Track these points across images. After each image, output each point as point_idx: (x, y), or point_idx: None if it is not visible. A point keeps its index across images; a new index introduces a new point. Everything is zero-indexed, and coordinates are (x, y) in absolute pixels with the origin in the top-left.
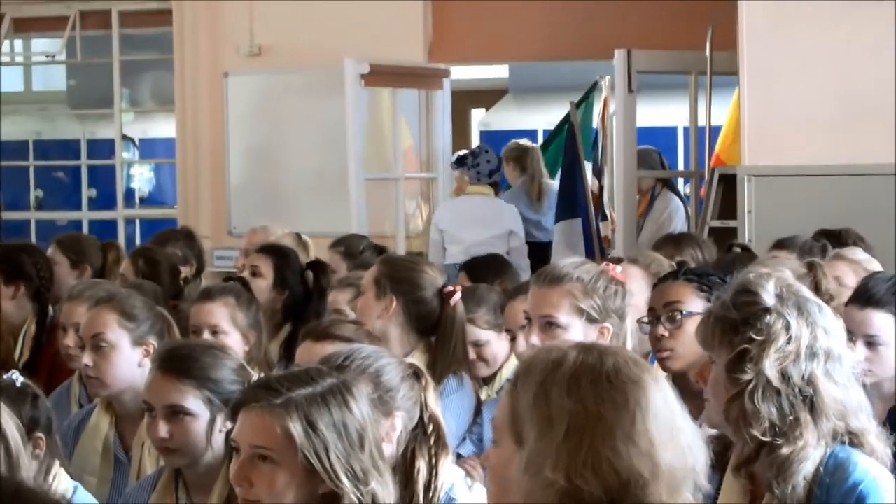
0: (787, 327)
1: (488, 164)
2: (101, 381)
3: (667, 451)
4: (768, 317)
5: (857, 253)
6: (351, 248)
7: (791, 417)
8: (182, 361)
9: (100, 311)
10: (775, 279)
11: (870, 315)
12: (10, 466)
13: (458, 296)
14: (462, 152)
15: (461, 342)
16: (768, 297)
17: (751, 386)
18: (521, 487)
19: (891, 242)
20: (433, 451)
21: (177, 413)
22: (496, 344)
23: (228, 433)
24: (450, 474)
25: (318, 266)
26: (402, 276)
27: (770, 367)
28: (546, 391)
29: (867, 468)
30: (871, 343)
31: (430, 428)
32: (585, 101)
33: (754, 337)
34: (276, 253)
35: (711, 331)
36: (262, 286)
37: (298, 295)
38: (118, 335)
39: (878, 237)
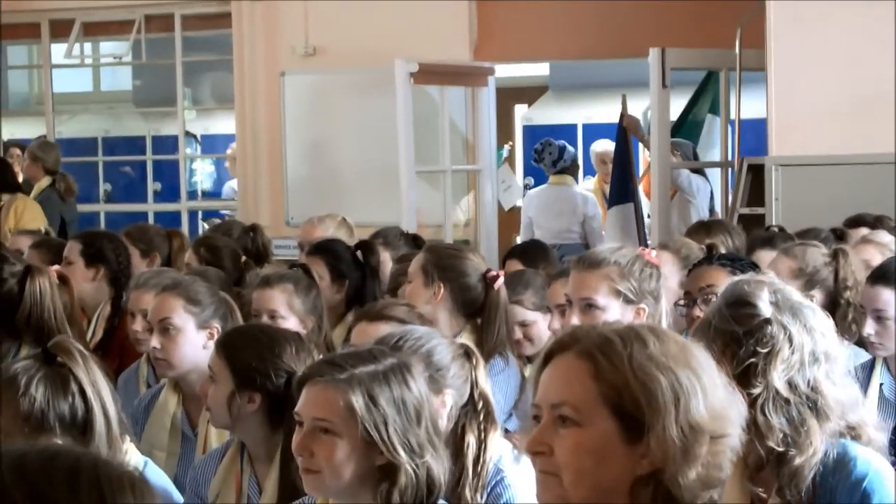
0: (790, 337)
1: (550, 156)
2: (169, 363)
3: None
4: (769, 328)
5: (884, 236)
6: (388, 238)
7: (802, 427)
8: (235, 341)
9: (166, 297)
10: (767, 286)
11: (878, 291)
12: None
13: (500, 280)
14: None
15: (505, 323)
16: (765, 306)
17: (761, 399)
18: (669, 452)
19: None
20: (482, 427)
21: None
22: (542, 324)
23: (276, 410)
24: (498, 448)
25: (365, 247)
26: (447, 264)
27: (778, 378)
28: (655, 363)
29: (868, 460)
30: (879, 317)
31: (480, 404)
32: (703, 93)
33: (759, 350)
34: (326, 251)
35: (712, 343)
36: (323, 286)
37: (355, 280)
38: (184, 319)
39: None
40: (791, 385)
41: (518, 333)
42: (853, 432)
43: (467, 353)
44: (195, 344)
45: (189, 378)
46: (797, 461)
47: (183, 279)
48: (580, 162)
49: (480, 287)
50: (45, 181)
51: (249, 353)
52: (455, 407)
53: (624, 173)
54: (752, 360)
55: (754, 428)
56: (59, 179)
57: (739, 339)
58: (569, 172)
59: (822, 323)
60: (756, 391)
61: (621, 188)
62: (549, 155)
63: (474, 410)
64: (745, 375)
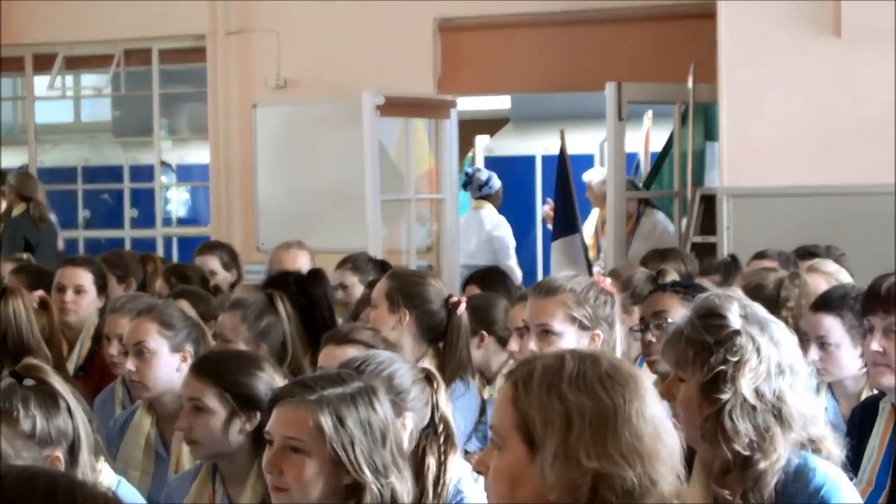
0: (758, 348)
1: (477, 182)
2: (144, 385)
3: (664, 435)
4: (739, 339)
5: (829, 265)
6: (357, 263)
7: (767, 433)
8: (210, 363)
9: (141, 321)
10: (737, 301)
11: (820, 318)
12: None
13: (462, 306)
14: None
15: (466, 347)
16: (735, 319)
17: (729, 405)
18: (549, 482)
19: (860, 257)
20: (442, 449)
21: (197, 407)
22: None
23: (257, 431)
24: (458, 469)
25: (311, 276)
26: (413, 291)
27: (746, 386)
28: (557, 391)
29: (826, 472)
30: (822, 344)
31: (441, 427)
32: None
33: (729, 358)
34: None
35: (684, 352)
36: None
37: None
38: (158, 343)
39: (848, 252)
40: (758, 393)
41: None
42: (813, 445)
43: (428, 377)
44: (169, 366)
45: (163, 399)
46: (762, 465)
47: (157, 304)
48: (538, 192)
49: (443, 312)
50: (20, 207)
51: (242, 373)
52: (416, 429)
53: (566, 204)
54: (722, 367)
55: (721, 433)
56: (34, 207)
57: (710, 348)
58: (490, 200)
59: (788, 338)
60: (725, 397)
61: (565, 220)
62: (476, 181)
63: (434, 433)
64: (714, 382)
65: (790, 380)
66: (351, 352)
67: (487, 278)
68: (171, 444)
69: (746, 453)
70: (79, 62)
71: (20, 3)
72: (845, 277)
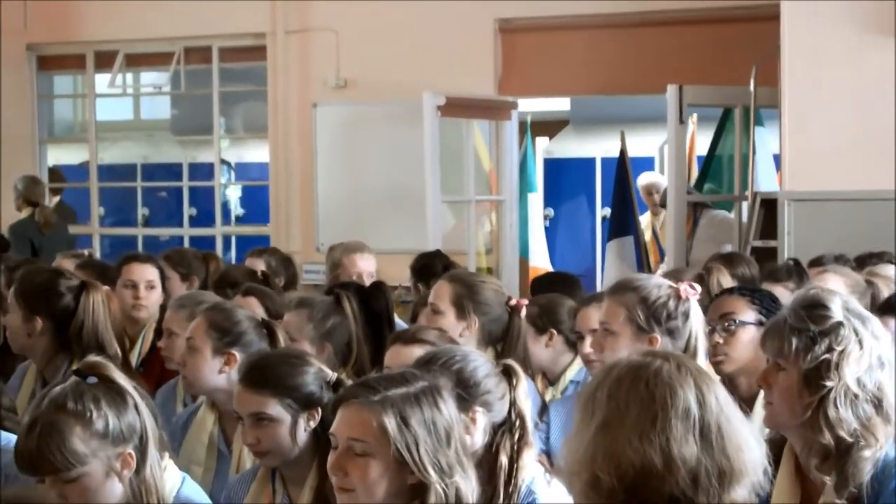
0: (860, 340)
1: None
2: (188, 381)
3: (688, 448)
4: (843, 329)
5: (888, 269)
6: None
7: (868, 422)
8: (259, 373)
9: (196, 319)
10: (838, 295)
11: (887, 322)
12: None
13: (524, 309)
14: None
15: (524, 347)
16: (839, 311)
17: (833, 393)
18: (563, 477)
19: None
20: (516, 447)
21: (261, 420)
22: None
23: (316, 430)
24: (531, 469)
25: (374, 290)
26: (482, 298)
27: (850, 375)
28: (594, 392)
29: None
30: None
31: (517, 424)
32: (724, 130)
33: (834, 347)
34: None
35: (787, 340)
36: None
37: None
38: (203, 342)
39: None
40: (860, 383)
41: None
42: None
43: (507, 372)
44: (211, 367)
45: (218, 397)
46: (866, 452)
47: (215, 303)
48: (598, 194)
49: (505, 315)
50: (27, 212)
51: (294, 374)
52: (490, 424)
53: (623, 206)
54: (827, 356)
55: (825, 420)
56: (39, 212)
57: (815, 337)
58: None
59: (886, 333)
60: (830, 384)
61: (621, 221)
62: None
63: (510, 430)
64: (818, 370)
65: (889, 372)
66: (417, 352)
67: (554, 281)
68: (232, 441)
69: (850, 440)
70: (139, 60)
71: (82, 1)
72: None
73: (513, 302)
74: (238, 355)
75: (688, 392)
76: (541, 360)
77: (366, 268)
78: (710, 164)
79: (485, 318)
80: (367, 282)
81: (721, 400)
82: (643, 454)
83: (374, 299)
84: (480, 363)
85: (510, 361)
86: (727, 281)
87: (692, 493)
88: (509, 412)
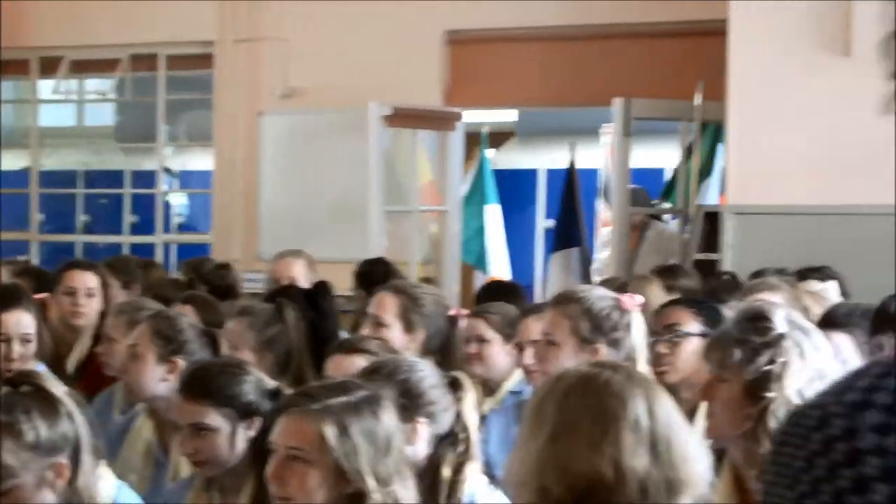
0: (802, 353)
1: None
2: (129, 387)
3: (639, 459)
4: (785, 342)
5: (814, 285)
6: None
7: None
8: (199, 382)
9: (140, 326)
10: (780, 307)
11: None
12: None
13: (463, 321)
14: None
15: (460, 359)
16: (781, 323)
17: (774, 404)
18: (509, 487)
19: (858, 277)
20: (460, 460)
21: (200, 429)
22: (497, 348)
23: (255, 439)
24: (475, 480)
25: (318, 288)
26: (427, 311)
27: (791, 387)
28: (543, 402)
29: None
30: None
31: (461, 436)
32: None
33: (776, 359)
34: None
35: (730, 352)
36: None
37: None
38: (147, 349)
39: (846, 272)
40: (801, 395)
41: (473, 348)
42: None
43: (454, 384)
44: (154, 375)
45: (157, 405)
46: None
47: (158, 311)
48: (540, 205)
49: (446, 327)
50: None
51: (233, 383)
52: (433, 435)
53: (570, 218)
54: (769, 367)
55: (764, 431)
56: None
57: (757, 349)
58: None
59: (827, 346)
60: (771, 395)
61: (567, 232)
62: None
63: (454, 442)
64: (760, 382)
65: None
66: (359, 361)
67: (500, 290)
68: (170, 449)
69: None
70: (84, 66)
71: (27, 5)
72: (833, 297)
73: (452, 313)
74: (181, 363)
75: (638, 403)
76: (502, 368)
77: (298, 272)
78: (676, 178)
79: (429, 330)
80: (300, 285)
81: (669, 411)
82: (594, 466)
83: (318, 298)
84: (427, 374)
85: (458, 374)
86: (655, 293)
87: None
88: (454, 424)
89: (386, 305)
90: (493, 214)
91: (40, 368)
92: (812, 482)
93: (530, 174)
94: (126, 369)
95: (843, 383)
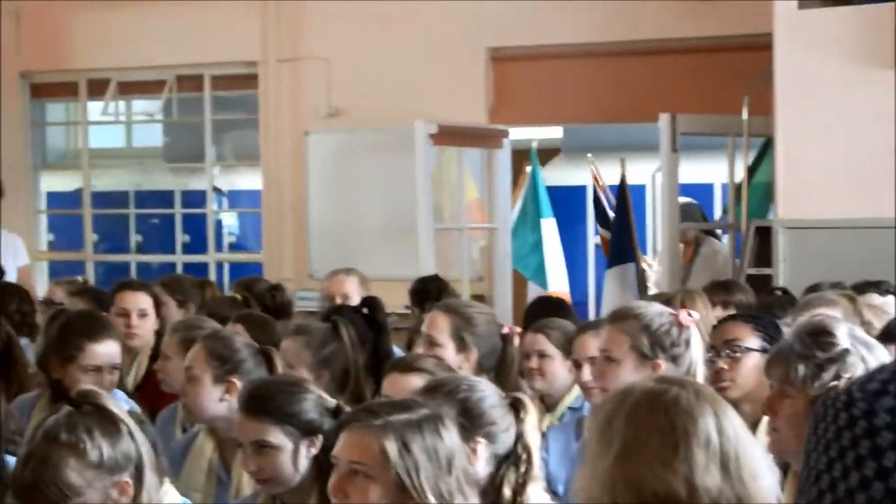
0: (867, 367)
1: None
2: (188, 410)
3: (710, 476)
4: (850, 357)
5: (875, 298)
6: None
7: None
8: (260, 401)
9: (196, 348)
10: (842, 322)
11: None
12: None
13: (517, 338)
14: None
15: (517, 376)
16: (844, 338)
17: None
18: (576, 503)
19: None
20: (521, 481)
21: (263, 447)
22: (559, 363)
23: (317, 457)
24: (537, 499)
25: (370, 303)
26: (480, 331)
27: None
28: (611, 418)
29: None
30: None
31: (523, 457)
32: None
33: (842, 374)
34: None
35: (794, 367)
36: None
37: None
38: (202, 371)
39: None
40: None
41: (534, 363)
42: None
43: (514, 405)
44: (211, 396)
45: (217, 425)
46: None
47: (213, 331)
48: (590, 221)
49: (500, 345)
50: None
51: (294, 401)
52: (493, 456)
53: (623, 233)
54: (835, 383)
55: None
56: None
57: (822, 365)
58: None
59: (886, 357)
60: None
61: (621, 248)
62: None
63: (515, 463)
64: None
65: None
66: (415, 380)
67: (548, 306)
68: (231, 467)
69: None
70: (131, 87)
71: (74, 28)
72: (892, 311)
73: (506, 330)
74: (238, 383)
75: (708, 420)
76: (561, 384)
77: (351, 290)
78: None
79: (482, 349)
80: (351, 302)
81: (737, 427)
82: (667, 484)
83: (372, 313)
84: (488, 394)
85: (520, 394)
86: (702, 309)
87: None
88: (515, 445)
89: (438, 325)
90: (549, 228)
91: (117, 393)
92: (839, 449)
93: (579, 190)
94: (184, 391)
95: (868, 376)
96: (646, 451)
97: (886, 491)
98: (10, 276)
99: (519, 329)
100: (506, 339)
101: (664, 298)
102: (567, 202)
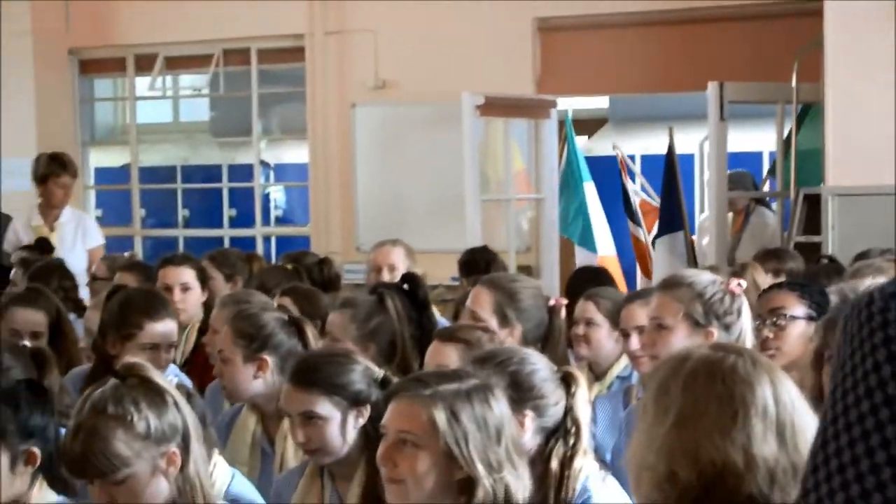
0: None
1: None
2: (227, 390)
3: (768, 446)
4: None
5: None
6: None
7: None
8: (309, 372)
9: (224, 330)
10: None
11: None
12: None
13: (563, 310)
14: None
15: (565, 347)
16: None
17: None
18: (629, 470)
19: None
20: (569, 454)
21: (311, 418)
22: (606, 332)
23: (365, 427)
24: (586, 468)
25: (410, 279)
26: (524, 307)
27: None
28: (667, 385)
29: None
30: None
31: (572, 431)
32: (802, 123)
33: None
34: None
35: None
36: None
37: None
38: (232, 352)
39: None
40: None
41: (581, 330)
42: None
43: (566, 379)
44: (244, 374)
45: (257, 401)
46: None
47: (238, 311)
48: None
49: (546, 318)
50: None
51: (342, 372)
52: (541, 429)
53: (672, 203)
54: None
55: None
56: None
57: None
58: None
59: None
60: None
61: (669, 217)
62: None
63: (564, 436)
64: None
65: None
66: (455, 350)
67: (590, 277)
68: (275, 440)
69: None
70: (178, 62)
71: (121, 4)
72: None
73: (552, 302)
74: (269, 359)
75: (765, 389)
76: (608, 353)
77: (397, 260)
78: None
79: (527, 324)
80: (398, 273)
81: (793, 395)
82: (724, 452)
83: (413, 289)
84: (539, 367)
85: (571, 368)
86: (762, 278)
87: (769, 492)
88: (564, 418)
89: (481, 300)
90: (590, 192)
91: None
92: (861, 339)
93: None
94: (220, 373)
95: (889, 283)
96: (704, 420)
97: (892, 373)
98: (77, 256)
99: (565, 301)
100: (552, 310)
101: (713, 267)
102: (615, 172)
